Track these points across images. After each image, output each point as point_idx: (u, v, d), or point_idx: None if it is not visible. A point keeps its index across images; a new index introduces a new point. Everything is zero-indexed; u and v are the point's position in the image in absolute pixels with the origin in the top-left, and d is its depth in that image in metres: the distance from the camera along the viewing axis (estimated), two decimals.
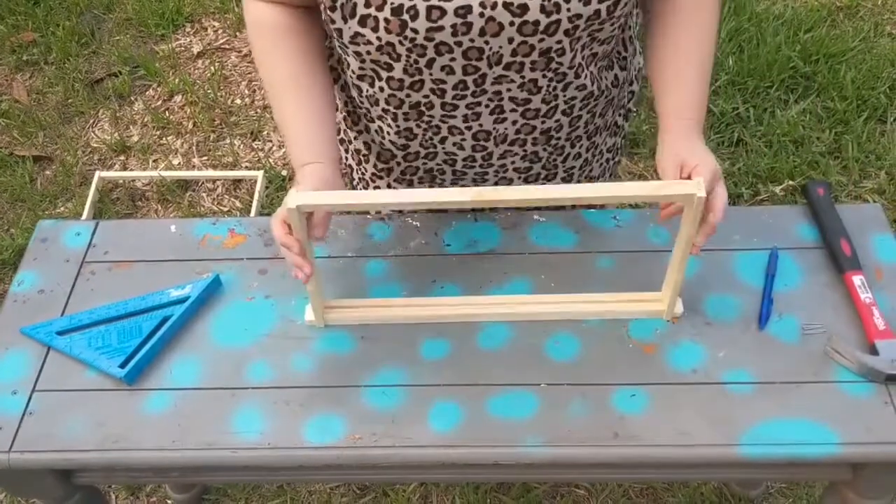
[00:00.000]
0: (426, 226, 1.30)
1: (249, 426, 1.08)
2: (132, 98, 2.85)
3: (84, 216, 2.43)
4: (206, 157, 2.67)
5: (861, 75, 2.65)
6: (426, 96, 1.14)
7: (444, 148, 1.23)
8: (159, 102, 2.84)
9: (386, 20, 1.02)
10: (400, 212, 1.35)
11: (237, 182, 2.58)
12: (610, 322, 1.17)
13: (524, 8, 1.02)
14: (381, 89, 1.15)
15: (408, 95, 1.14)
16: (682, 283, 1.12)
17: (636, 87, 1.39)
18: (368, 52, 1.09)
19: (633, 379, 1.11)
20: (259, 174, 2.53)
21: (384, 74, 1.12)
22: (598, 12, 1.05)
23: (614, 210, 1.32)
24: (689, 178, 1.05)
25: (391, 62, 1.09)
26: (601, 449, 1.05)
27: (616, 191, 1.00)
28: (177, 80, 2.87)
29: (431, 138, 1.22)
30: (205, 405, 1.11)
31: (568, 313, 1.17)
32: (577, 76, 1.15)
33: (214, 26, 3.09)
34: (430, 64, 1.08)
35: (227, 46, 3.02)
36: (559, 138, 1.25)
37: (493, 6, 1.01)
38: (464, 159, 1.25)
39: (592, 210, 1.33)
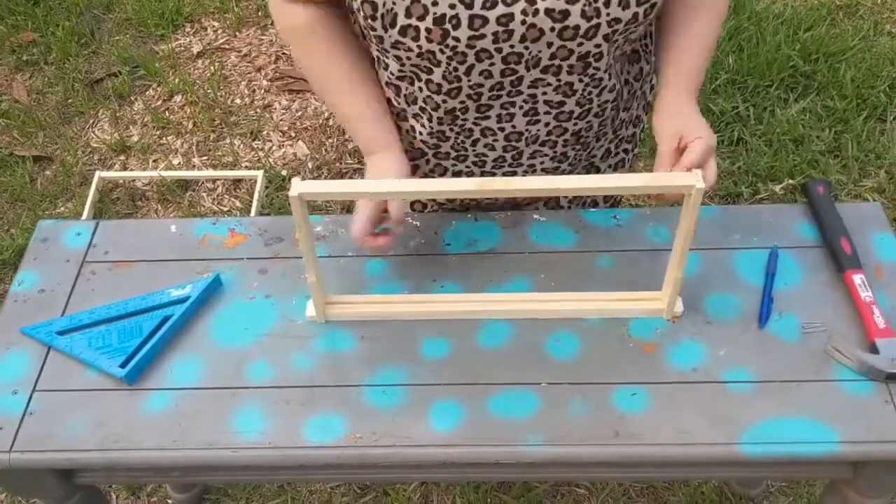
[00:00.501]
0: (426, 225, 1.30)
1: (250, 426, 1.08)
2: (132, 98, 2.86)
3: (84, 216, 2.43)
4: (206, 157, 2.67)
5: (861, 74, 2.65)
6: (462, 102, 1.15)
7: (475, 150, 1.24)
8: (159, 102, 2.84)
9: (427, 30, 1.03)
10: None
11: (237, 182, 2.59)
12: (610, 321, 1.17)
13: (565, 14, 1.02)
14: (421, 90, 1.16)
15: (444, 101, 1.15)
16: (682, 282, 1.12)
17: (656, 80, 1.40)
18: (409, 58, 1.10)
19: (633, 378, 1.11)
20: (259, 174, 2.53)
21: (423, 77, 1.13)
22: (636, 16, 1.05)
23: (614, 209, 1.32)
24: (684, 148, 1.08)
25: (431, 67, 1.10)
26: (602, 448, 1.05)
27: (616, 182, 1.01)
28: (177, 79, 2.87)
29: (464, 141, 1.23)
30: (205, 405, 1.11)
31: (568, 312, 1.17)
32: (610, 77, 1.16)
33: (214, 26, 3.09)
34: (469, 71, 1.08)
35: (226, 46, 3.02)
36: (588, 137, 1.25)
37: (535, 13, 1.02)
38: (494, 160, 1.26)
39: (592, 209, 1.33)
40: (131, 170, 2.65)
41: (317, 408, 1.10)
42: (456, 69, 1.08)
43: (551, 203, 1.42)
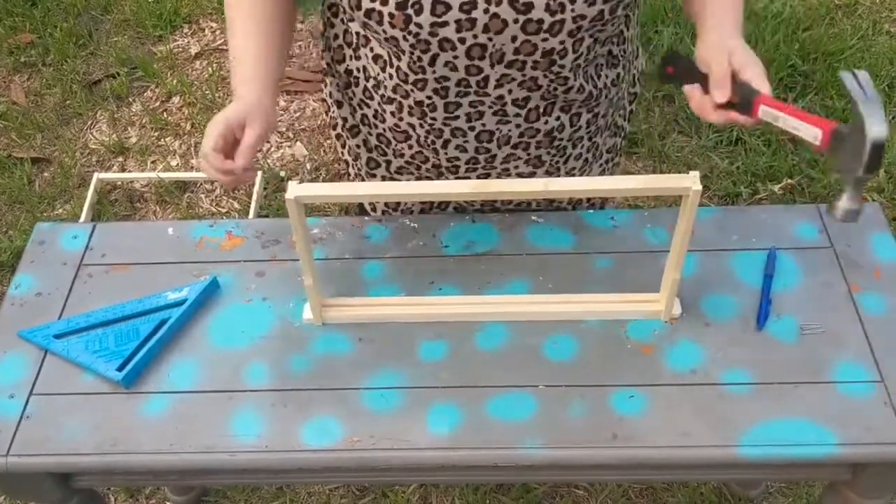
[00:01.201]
0: (424, 227, 1.30)
1: (247, 429, 1.08)
2: (130, 99, 2.85)
3: (82, 218, 2.43)
4: None
5: None
6: (429, 97, 1.14)
7: (446, 153, 1.23)
8: (157, 103, 2.84)
9: (391, 14, 1.03)
10: (396, 210, 1.35)
11: None
12: (608, 323, 1.16)
13: (529, 6, 1.02)
14: (391, 76, 1.16)
15: (412, 90, 1.15)
16: (679, 284, 1.11)
17: (638, 89, 1.39)
18: (378, 41, 1.10)
19: (631, 380, 1.10)
20: (257, 175, 2.53)
21: (394, 62, 1.13)
22: (601, 13, 1.05)
23: (612, 210, 1.31)
24: (736, 70, 1.03)
25: (399, 53, 1.10)
26: (600, 450, 1.04)
27: (613, 184, 1.01)
28: (175, 81, 2.87)
29: (434, 141, 1.22)
30: (203, 408, 1.10)
31: (566, 314, 1.17)
32: (577, 77, 1.15)
33: (212, 27, 3.09)
34: (433, 61, 1.08)
35: (224, 47, 3.01)
36: (562, 139, 1.25)
37: (498, 3, 1.01)
38: (467, 162, 1.25)
39: (590, 211, 1.33)
40: (129, 171, 2.64)
41: (314, 411, 1.09)
42: (420, 58, 1.08)
43: (530, 203, 1.40)
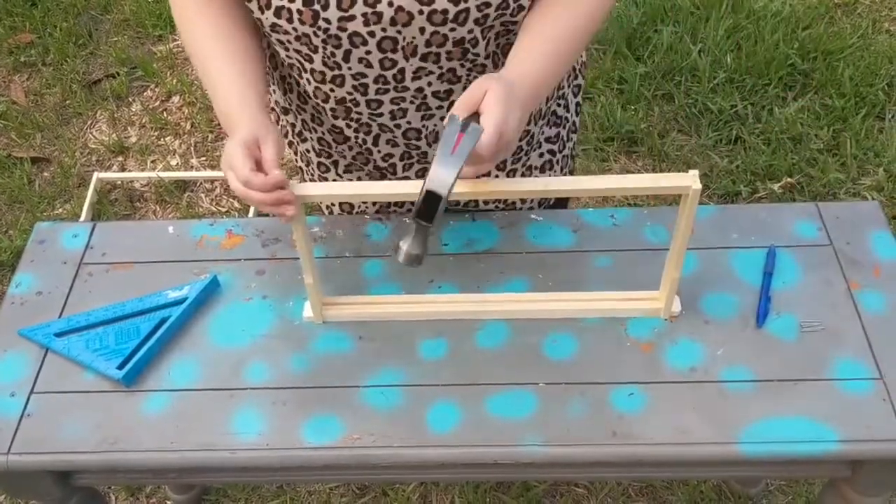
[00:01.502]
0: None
1: (248, 427, 1.08)
2: (130, 99, 2.85)
3: (82, 217, 2.43)
4: (204, 158, 2.67)
5: (859, 72, 2.65)
6: (350, 93, 1.14)
7: (378, 150, 1.24)
8: (157, 103, 2.84)
9: (299, 11, 1.03)
10: (392, 210, 1.35)
11: None
12: (608, 321, 1.17)
13: None
14: (308, 82, 1.16)
15: (332, 90, 1.15)
16: (679, 282, 1.11)
17: (581, 81, 1.38)
18: (289, 42, 1.10)
19: (631, 378, 1.10)
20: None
21: (307, 66, 1.13)
22: (505, 1, 1.04)
23: (611, 209, 1.32)
24: (476, 110, 0.96)
25: (310, 53, 1.10)
26: (600, 448, 1.05)
27: (613, 183, 1.01)
28: (174, 80, 2.87)
29: (364, 139, 1.22)
30: (203, 406, 1.11)
31: (566, 312, 1.17)
32: (497, 66, 1.14)
33: None
34: (347, 56, 1.08)
35: None
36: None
37: None
38: (401, 158, 1.25)
39: (590, 209, 1.33)
40: (129, 171, 2.64)
41: (315, 409, 1.10)
42: (333, 54, 1.08)
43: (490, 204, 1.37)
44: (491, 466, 1.08)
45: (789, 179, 2.42)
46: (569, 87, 1.35)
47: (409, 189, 1.01)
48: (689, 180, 0.99)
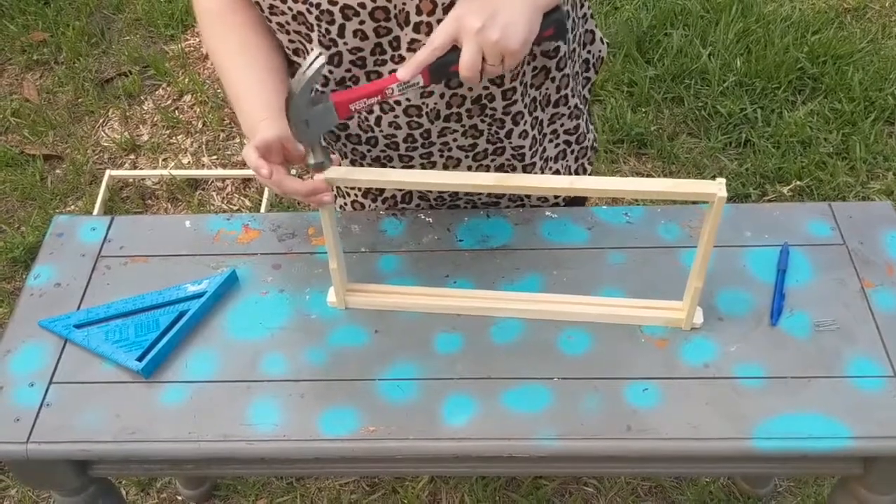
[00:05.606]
0: (438, 221, 1.31)
1: (264, 418, 1.09)
2: (142, 97, 2.87)
3: (95, 214, 2.45)
4: (215, 156, 2.68)
5: (868, 77, 2.66)
6: (348, 70, 1.15)
7: (381, 131, 1.23)
8: (169, 102, 2.85)
9: None
10: (401, 208, 1.36)
11: (246, 181, 2.60)
12: None
13: None
14: None
15: (331, 71, 1.16)
16: (701, 291, 1.11)
17: (592, 75, 1.38)
18: (288, 23, 1.12)
19: (645, 373, 1.11)
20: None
21: (309, 47, 1.14)
22: None
23: (626, 207, 1.32)
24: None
25: (308, 32, 1.11)
26: (614, 442, 1.05)
27: (637, 186, 1.01)
28: (186, 79, 2.89)
29: (367, 118, 1.22)
30: (220, 397, 1.12)
31: (584, 315, 1.17)
32: None
33: None
34: (342, 31, 1.10)
35: None
36: (494, 109, 1.22)
37: None
38: (404, 140, 1.24)
39: (604, 206, 1.33)
40: (141, 169, 2.66)
41: (331, 401, 1.10)
42: (328, 31, 1.10)
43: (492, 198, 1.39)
44: (505, 460, 1.09)
45: (799, 183, 2.43)
46: (581, 80, 1.35)
47: (431, 178, 1.02)
48: (715, 188, 0.99)
